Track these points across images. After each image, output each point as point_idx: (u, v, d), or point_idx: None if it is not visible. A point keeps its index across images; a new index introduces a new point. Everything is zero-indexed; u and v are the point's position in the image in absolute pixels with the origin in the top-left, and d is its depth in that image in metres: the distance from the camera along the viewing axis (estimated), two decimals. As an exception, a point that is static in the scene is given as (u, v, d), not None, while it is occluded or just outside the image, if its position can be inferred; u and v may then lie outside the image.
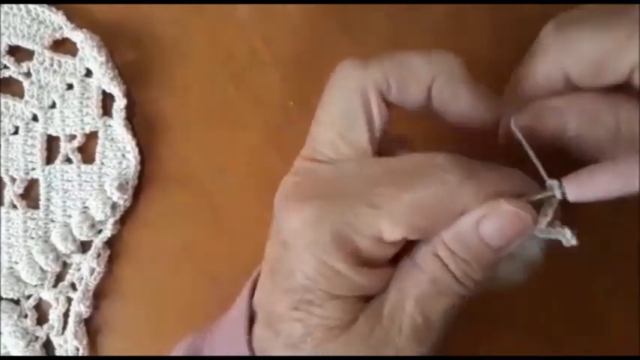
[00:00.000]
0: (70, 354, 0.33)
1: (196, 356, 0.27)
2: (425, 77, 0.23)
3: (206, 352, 0.26)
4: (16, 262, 0.34)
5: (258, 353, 0.23)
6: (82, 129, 0.34)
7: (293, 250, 0.22)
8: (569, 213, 0.22)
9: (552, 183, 0.21)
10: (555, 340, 0.32)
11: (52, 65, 0.34)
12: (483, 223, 0.21)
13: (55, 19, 0.34)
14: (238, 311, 0.25)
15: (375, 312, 0.22)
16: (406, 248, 0.23)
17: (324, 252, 0.21)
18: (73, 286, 0.34)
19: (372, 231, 0.21)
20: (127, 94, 0.34)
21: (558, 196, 0.21)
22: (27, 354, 0.33)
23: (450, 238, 0.21)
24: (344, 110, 0.23)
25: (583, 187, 0.21)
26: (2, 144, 0.34)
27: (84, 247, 0.34)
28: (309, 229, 0.21)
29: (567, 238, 0.22)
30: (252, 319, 0.25)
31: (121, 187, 0.33)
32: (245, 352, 0.24)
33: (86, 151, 0.34)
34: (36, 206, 0.34)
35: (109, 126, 0.34)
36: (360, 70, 0.23)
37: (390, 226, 0.21)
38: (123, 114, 0.34)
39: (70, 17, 0.34)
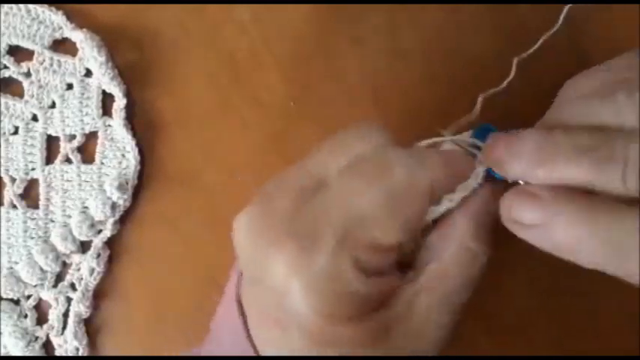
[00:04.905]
0: (69, 354, 0.33)
1: (197, 356, 0.27)
2: None
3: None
4: (16, 262, 0.34)
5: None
6: (82, 129, 0.34)
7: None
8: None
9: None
10: (555, 340, 0.32)
11: (51, 65, 0.34)
12: None
13: (54, 19, 0.34)
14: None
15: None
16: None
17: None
18: (73, 286, 0.34)
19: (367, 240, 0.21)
20: (127, 94, 0.34)
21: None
22: (27, 354, 0.33)
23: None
24: None
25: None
26: (2, 144, 0.34)
27: (84, 247, 0.34)
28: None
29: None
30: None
31: (120, 187, 0.33)
32: (250, 351, 0.23)
33: (86, 151, 0.34)
34: (36, 206, 0.34)
35: (109, 126, 0.34)
36: None
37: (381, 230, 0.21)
38: (123, 114, 0.33)
39: (70, 17, 0.34)
